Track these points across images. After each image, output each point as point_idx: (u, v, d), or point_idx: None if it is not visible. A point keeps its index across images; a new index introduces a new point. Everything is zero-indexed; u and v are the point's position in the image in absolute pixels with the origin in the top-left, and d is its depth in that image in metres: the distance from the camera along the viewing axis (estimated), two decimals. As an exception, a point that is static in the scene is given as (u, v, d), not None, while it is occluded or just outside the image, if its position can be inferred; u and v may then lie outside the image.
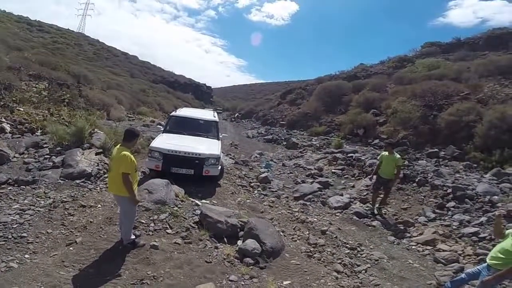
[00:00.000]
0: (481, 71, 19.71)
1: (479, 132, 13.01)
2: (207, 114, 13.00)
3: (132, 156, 5.25)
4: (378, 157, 9.59)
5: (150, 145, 9.66)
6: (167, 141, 9.71)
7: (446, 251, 6.98)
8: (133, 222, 5.76)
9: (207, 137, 10.91)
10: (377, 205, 9.41)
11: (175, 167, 9.13)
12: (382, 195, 9.39)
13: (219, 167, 9.84)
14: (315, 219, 8.51)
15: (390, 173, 8.88)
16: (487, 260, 4.90)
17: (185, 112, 12.81)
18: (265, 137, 25.41)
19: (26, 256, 5.04)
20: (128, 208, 5.41)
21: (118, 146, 5.43)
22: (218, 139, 11.10)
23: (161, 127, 12.23)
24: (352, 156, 14.75)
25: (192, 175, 9.23)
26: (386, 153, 9.08)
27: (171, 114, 12.23)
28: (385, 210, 9.33)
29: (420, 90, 18.68)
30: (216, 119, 12.28)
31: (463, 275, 5.50)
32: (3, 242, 5.24)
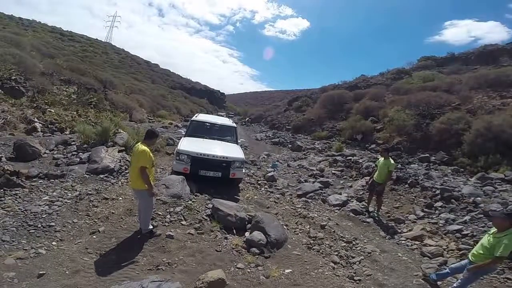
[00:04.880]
0: (471, 84, 19.55)
1: (467, 139, 12.98)
2: (225, 120, 12.74)
3: (150, 152, 5.37)
4: (376, 162, 9.53)
5: (177, 148, 8.99)
6: (193, 145, 9.20)
7: (432, 246, 7.02)
8: (151, 213, 5.81)
9: (227, 142, 10.52)
10: (371, 209, 9.34)
11: (203, 170, 8.65)
12: (376, 198, 9.23)
13: (243, 170, 9.58)
14: (316, 215, 8.51)
15: (382, 178, 8.73)
16: (469, 256, 4.96)
17: (205, 117, 12.13)
18: (272, 140, 25.36)
19: (54, 243, 5.16)
20: (146, 200, 5.49)
21: (139, 144, 5.51)
22: (237, 143, 10.87)
23: (179, 129, 12.06)
24: (350, 159, 14.72)
25: (219, 177, 8.84)
26: (382, 158, 8.92)
27: (192, 119, 11.54)
28: (380, 211, 9.30)
29: (415, 100, 18.63)
30: (234, 125, 11.97)
31: (447, 270, 5.55)
32: (33, 231, 5.36)
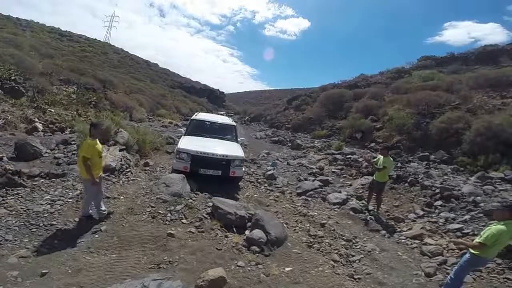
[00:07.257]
0: (471, 84, 19.56)
1: (467, 138, 12.99)
2: (225, 119, 12.78)
3: (94, 143, 5.71)
4: (376, 160, 9.56)
5: (177, 147, 9.09)
6: (193, 143, 9.24)
7: (432, 245, 7.04)
8: (91, 201, 6.03)
9: (227, 140, 10.55)
10: (371, 207, 9.38)
11: (203, 168, 8.71)
12: (375, 197, 9.27)
13: (243, 168, 9.64)
14: (316, 213, 8.54)
15: (382, 176, 8.79)
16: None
17: (205, 116, 12.26)
18: (272, 139, 25.33)
19: (56, 242, 5.19)
20: (89, 189, 5.85)
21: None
22: (237, 142, 10.90)
23: (179, 127, 12.09)
24: (350, 158, 14.74)
25: (219, 176, 8.89)
26: (382, 157, 8.93)
27: (192, 118, 11.59)
28: (379, 210, 9.32)
29: (415, 99, 18.59)
30: (234, 123, 12.00)
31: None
32: (35, 230, 5.39)
